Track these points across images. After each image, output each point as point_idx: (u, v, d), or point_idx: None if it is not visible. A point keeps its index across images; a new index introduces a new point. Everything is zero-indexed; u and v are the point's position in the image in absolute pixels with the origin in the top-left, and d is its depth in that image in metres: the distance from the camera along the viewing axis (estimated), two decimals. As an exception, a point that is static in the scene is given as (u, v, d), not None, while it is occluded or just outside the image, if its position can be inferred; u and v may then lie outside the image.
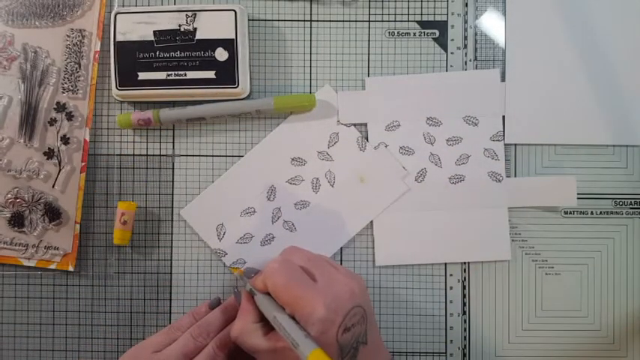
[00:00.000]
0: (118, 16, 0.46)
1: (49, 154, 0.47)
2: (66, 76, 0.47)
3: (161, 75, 0.46)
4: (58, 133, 0.47)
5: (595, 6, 0.48)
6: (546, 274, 0.48)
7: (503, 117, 0.48)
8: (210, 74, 0.46)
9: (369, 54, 0.48)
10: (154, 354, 0.41)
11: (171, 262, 0.48)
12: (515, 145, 0.48)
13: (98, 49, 0.48)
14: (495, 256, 0.48)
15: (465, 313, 0.48)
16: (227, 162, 0.48)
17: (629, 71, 0.48)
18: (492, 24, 0.48)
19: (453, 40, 0.48)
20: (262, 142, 0.48)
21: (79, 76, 0.47)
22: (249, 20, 0.48)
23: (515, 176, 0.48)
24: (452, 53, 0.48)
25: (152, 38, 0.46)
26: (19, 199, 0.47)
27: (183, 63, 0.46)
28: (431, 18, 0.48)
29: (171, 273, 0.48)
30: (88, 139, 0.48)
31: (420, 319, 0.48)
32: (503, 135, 0.48)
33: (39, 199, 0.47)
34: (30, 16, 0.47)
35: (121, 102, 0.48)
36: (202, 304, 0.46)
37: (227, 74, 0.46)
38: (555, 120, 0.48)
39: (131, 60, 0.46)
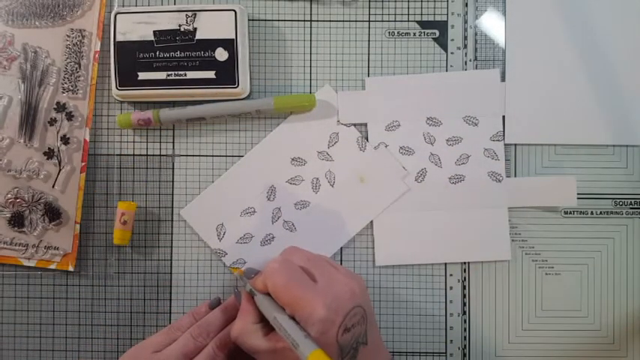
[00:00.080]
0: (118, 16, 0.46)
1: (49, 154, 0.47)
2: (66, 76, 0.47)
3: (161, 75, 0.46)
4: (58, 133, 0.47)
5: (595, 6, 0.48)
6: (546, 274, 0.48)
7: (503, 117, 0.48)
8: (210, 74, 0.46)
9: (369, 54, 0.48)
10: (153, 354, 0.41)
11: (171, 262, 0.48)
12: (515, 145, 0.48)
13: (98, 49, 0.48)
14: (495, 256, 0.48)
15: (465, 313, 0.48)
16: (227, 162, 0.48)
17: (629, 71, 0.48)
18: (492, 24, 0.48)
19: (453, 40, 0.48)
20: (262, 142, 0.48)
21: (79, 76, 0.47)
22: (249, 20, 0.48)
23: (515, 176, 0.48)
24: (452, 53, 0.48)
25: (152, 38, 0.46)
26: (19, 199, 0.47)
27: (183, 63, 0.46)
28: (431, 18, 0.48)
29: (171, 273, 0.48)
30: (88, 139, 0.48)
31: (420, 319, 0.48)
32: (503, 135, 0.48)
33: (39, 199, 0.47)
34: (30, 16, 0.47)
35: (121, 102, 0.48)
36: (202, 304, 0.46)
37: (227, 74, 0.46)
38: (555, 120, 0.48)
39: (131, 60, 0.46)
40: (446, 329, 0.48)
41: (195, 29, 0.45)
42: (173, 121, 0.47)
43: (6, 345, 0.48)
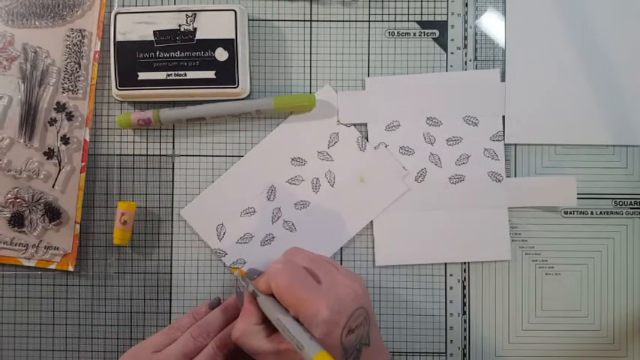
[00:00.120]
0: (118, 16, 0.46)
1: (49, 154, 0.47)
2: (66, 76, 0.47)
3: (161, 75, 0.46)
4: (58, 133, 0.47)
5: (595, 6, 0.48)
6: (546, 274, 0.48)
7: (503, 117, 0.48)
8: (210, 74, 0.46)
9: (369, 54, 0.48)
10: (154, 354, 0.41)
11: (171, 262, 0.48)
12: (515, 145, 0.48)
13: (98, 49, 0.48)
14: (495, 256, 0.48)
15: (465, 313, 0.48)
16: (227, 162, 0.48)
17: (629, 71, 0.48)
18: (492, 24, 0.48)
19: (453, 40, 0.48)
20: (262, 142, 0.48)
21: (79, 76, 0.47)
22: (249, 20, 0.48)
23: (515, 176, 0.48)
24: (452, 53, 0.48)
25: (152, 38, 0.46)
26: (19, 199, 0.47)
27: (183, 63, 0.46)
28: (431, 18, 0.48)
29: (171, 273, 0.48)
30: (88, 139, 0.48)
31: (420, 319, 0.48)
32: (503, 135, 0.48)
33: (39, 199, 0.47)
34: (30, 16, 0.47)
35: (121, 102, 0.48)
36: (202, 304, 0.46)
37: (227, 74, 0.46)
38: (555, 120, 0.48)
39: (131, 60, 0.46)
40: (446, 329, 0.48)
41: (195, 29, 0.45)
42: (173, 121, 0.47)
43: (6, 345, 0.48)
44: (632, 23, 0.48)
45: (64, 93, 0.47)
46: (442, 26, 0.48)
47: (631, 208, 0.48)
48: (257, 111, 0.47)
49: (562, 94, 0.48)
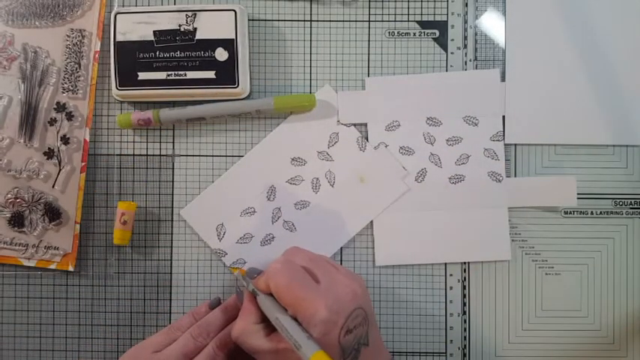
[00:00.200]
0: (118, 16, 0.46)
1: (49, 154, 0.47)
2: (66, 76, 0.47)
3: (161, 75, 0.46)
4: (58, 133, 0.47)
5: (595, 6, 0.48)
6: (546, 274, 0.48)
7: (503, 117, 0.48)
8: (210, 74, 0.46)
9: (369, 54, 0.48)
10: (154, 354, 0.41)
11: (171, 262, 0.48)
12: (515, 145, 0.48)
13: (98, 49, 0.48)
14: (495, 256, 0.48)
15: (465, 313, 0.48)
16: (227, 162, 0.48)
17: (629, 71, 0.48)
18: (492, 24, 0.48)
19: (453, 40, 0.48)
20: (262, 142, 0.48)
21: (79, 76, 0.47)
22: (249, 20, 0.48)
23: (515, 176, 0.48)
24: (452, 53, 0.48)
25: (152, 38, 0.46)
26: (19, 199, 0.47)
27: (183, 63, 0.46)
28: (431, 18, 0.48)
29: (171, 273, 0.48)
30: (88, 139, 0.48)
31: (420, 319, 0.48)
32: (503, 135, 0.48)
33: (39, 199, 0.47)
34: (30, 16, 0.47)
35: (121, 102, 0.48)
36: (202, 304, 0.46)
37: (227, 74, 0.46)
38: (555, 120, 0.48)
39: (131, 60, 0.46)
40: (446, 329, 0.48)
41: (195, 29, 0.45)
42: (173, 121, 0.47)
43: (6, 345, 0.48)
44: (632, 23, 0.48)
45: (64, 93, 0.47)
46: (442, 26, 0.48)
47: (631, 208, 0.48)
48: (257, 111, 0.47)
49: (562, 94, 0.48)
